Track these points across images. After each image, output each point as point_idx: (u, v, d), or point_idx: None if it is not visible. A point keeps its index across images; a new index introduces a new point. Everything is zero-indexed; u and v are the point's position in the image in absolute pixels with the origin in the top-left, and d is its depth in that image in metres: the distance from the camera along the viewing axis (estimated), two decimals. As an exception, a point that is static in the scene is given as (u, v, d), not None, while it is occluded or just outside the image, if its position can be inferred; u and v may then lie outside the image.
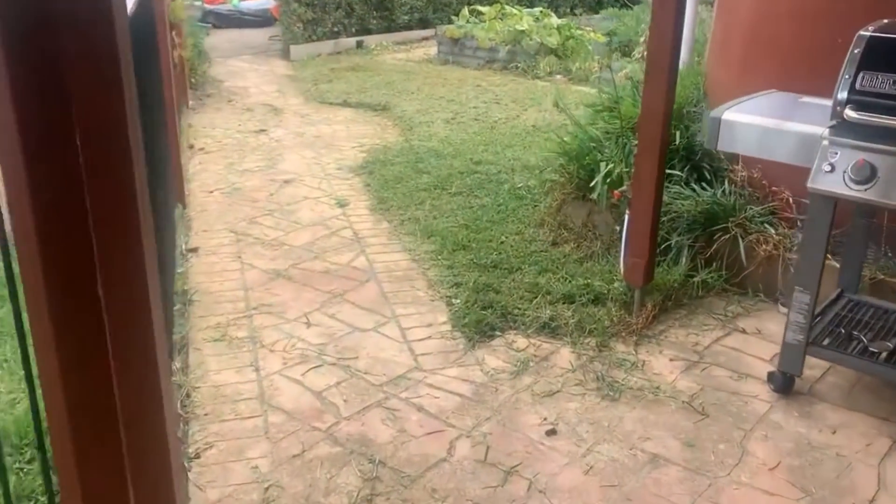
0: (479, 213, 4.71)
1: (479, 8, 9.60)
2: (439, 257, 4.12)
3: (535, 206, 4.80)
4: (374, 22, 11.14)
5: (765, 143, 2.86)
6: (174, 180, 4.62)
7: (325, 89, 8.12)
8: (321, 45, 10.37)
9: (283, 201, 5.00)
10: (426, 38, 11.82)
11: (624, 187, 3.49)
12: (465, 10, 9.77)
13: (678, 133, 4.22)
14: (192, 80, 7.67)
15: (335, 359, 3.18)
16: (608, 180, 4.01)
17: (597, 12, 13.22)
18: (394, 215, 4.74)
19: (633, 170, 3.50)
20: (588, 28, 9.28)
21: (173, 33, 6.12)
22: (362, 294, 3.75)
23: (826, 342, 2.99)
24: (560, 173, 4.51)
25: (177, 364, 3.07)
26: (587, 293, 3.65)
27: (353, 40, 10.82)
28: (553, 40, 8.55)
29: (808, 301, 2.79)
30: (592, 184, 4.03)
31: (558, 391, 2.98)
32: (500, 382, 3.04)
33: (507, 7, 9.50)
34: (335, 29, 10.66)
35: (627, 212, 3.48)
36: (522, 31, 8.59)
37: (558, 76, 8.51)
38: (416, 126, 6.67)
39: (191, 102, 7.41)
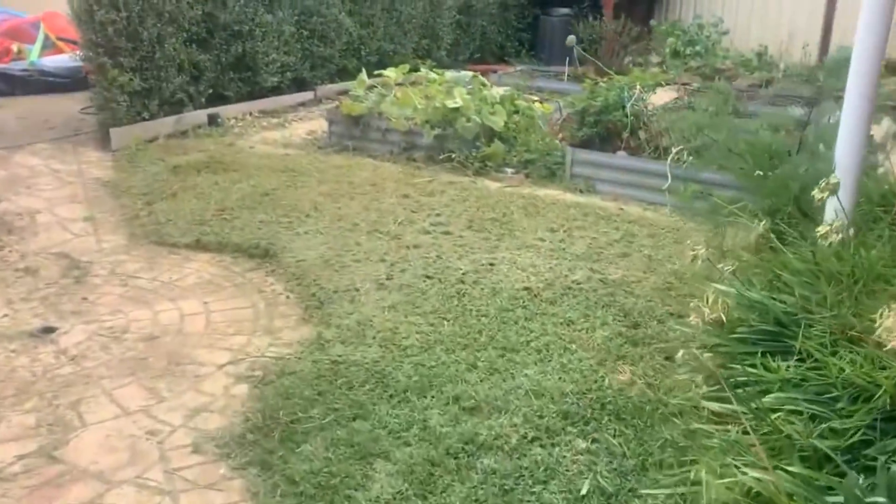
0: None
1: (384, 72, 6.96)
2: None
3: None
4: (233, 86, 8.19)
5: None
6: None
7: (165, 212, 5.13)
8: (158, 123, 7.30)
9: None
10: (303, 104, 9.03)
11: None
12: (363, 75, 7.06)
13: None
14: (-77, 219, 4.50)
15: None
16: None
17: (505, 61, 10.98)
18: None
19: None
20: (532, 97, 6.86)
21: None
22: None
23: None
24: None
25: None
26: None
27: (203, 114, 7.82)
28: (498, 120, 6.04)
29: None
30: None
31: None
32: None
33: (421, 69, 6.91)
34: (178, 97, 7.63)
35: None
36: (456, 110, 6.02)
37: (510, 171, 6.00)
38: (332, 301, 3.88)
39: (-80, 261, 4.25)
